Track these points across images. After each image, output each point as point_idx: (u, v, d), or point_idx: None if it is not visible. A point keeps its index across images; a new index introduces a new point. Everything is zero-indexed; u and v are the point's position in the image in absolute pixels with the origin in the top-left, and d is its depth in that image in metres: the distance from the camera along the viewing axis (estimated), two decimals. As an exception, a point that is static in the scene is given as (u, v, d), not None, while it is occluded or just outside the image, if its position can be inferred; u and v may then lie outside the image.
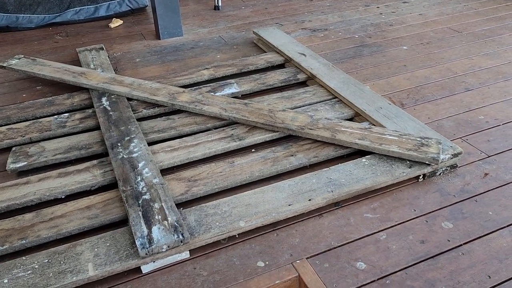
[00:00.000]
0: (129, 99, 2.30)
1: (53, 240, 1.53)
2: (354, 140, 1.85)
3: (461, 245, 1.49)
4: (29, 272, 1.37)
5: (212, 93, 2.30)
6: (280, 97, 2.29)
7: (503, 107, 2.25)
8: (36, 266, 1.38)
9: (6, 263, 1.41)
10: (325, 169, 1.76)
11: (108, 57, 2.93)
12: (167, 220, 1.49)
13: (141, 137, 1.94)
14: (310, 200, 1.61)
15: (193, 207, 1.59)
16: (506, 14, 3.51)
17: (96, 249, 1.43)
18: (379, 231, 1.55)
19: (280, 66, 2.74)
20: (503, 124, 2.13)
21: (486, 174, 1.81)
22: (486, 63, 2.71)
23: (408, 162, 1.78)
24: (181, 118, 2.13)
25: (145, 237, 1.42)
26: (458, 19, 3.45)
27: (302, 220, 1.61)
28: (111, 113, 2.13)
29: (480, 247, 1.48)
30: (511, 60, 2.74)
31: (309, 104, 2.24)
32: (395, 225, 1.58)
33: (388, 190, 1.74)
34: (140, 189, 1.63)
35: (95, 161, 1.85)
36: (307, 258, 1.45)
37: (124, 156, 1.82)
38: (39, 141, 2.05)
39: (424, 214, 1.62)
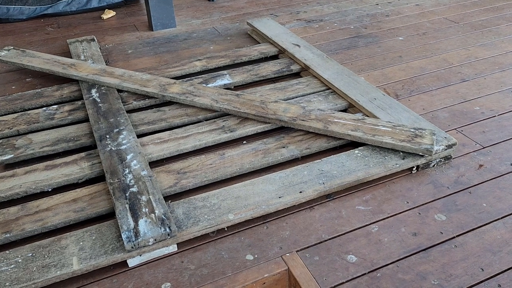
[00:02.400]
0: (119, 91, 2.26)
1: (38, 233, 1.50)
2: (347, 131, 1.81)
3: (454, 237, 1.47)
4: (12, 266, 1.34)
5: (204, 85, 2.26)
6: (273, 88, 2.25)
7: (499, 98, 2.22)
8: (20, 260, 1.36)
9: (-11, 257, 1.38)
10: (317, 160, 1.73)
11: (100, 48, 2.88)
12: (154, 213, 1.45)
13: (131, 129, 1.91)
14: (301, 192, 1.58)
15: (182, 200, 1.56)
16: (504, 4, 3.47)
17: (81, 243, 1.40)
18: (371, 224, 1.53)
19: (274, 57, 2.70)
20: (498, 115, 2.09)
21: (480, 166, 1.78)
22: (483, 54, 2.67)
23: (401, 153, 1.74)
24: (172, 110, 2.09)
25: (132, 230, 1.39)
26: (455, 9, 3.41)
27: (292, 213, 1.58)
28: (100, 104, 2.09)
29: (473, 240, 1.45)
30: (508, 50, 2.70)
31: (302, 95, 2.20)
32: (387, 218, 1.55)
33: (381, 182, 1.71)
34: (128, 182, 1.60)
35: (83, 154, 1.82)
36: (297, 251, 1.43)
37: (113, 148, 1.78)
38: (26, 133, 2.01)
39: (417, 206, 1.59)
